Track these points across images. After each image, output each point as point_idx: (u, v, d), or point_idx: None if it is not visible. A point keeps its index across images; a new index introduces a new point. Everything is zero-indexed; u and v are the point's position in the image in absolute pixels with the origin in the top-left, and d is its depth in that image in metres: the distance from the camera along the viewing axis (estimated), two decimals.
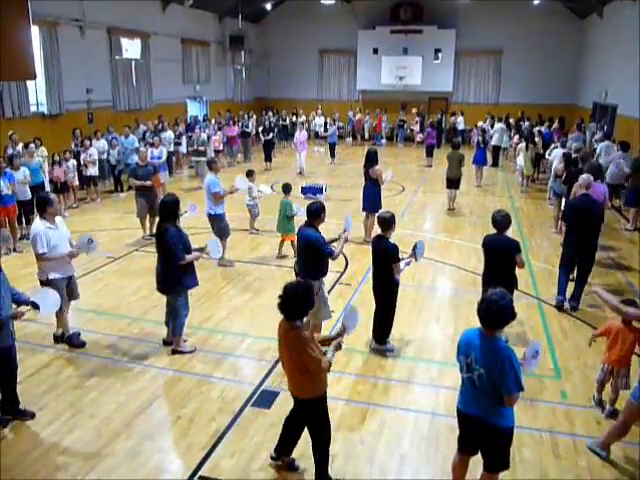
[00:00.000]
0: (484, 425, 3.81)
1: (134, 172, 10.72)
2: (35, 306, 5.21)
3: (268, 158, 19.03)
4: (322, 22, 26.56)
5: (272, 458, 4.63)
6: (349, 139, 26.66)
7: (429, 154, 20.09)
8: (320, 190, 14.21)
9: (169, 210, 6.26)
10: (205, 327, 7.15)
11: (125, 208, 13.11)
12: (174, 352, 6.47)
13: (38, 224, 6.24)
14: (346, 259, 9.70)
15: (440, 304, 8.11)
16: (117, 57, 17.97)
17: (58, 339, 6.67)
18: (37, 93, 15.20)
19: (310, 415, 4.29)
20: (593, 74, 21.58)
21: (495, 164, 19.75)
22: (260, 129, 20.07)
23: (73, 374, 6.01)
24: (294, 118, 24.91)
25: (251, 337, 6.90)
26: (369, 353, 6.52)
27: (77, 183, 13.31)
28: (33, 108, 14.92)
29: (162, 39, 20.11)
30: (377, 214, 6.96)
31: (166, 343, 6.65)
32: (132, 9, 18.22)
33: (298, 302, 4.08)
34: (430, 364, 6.34)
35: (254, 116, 23.65)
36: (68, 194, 13.09)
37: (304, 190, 14.19)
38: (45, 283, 6.25)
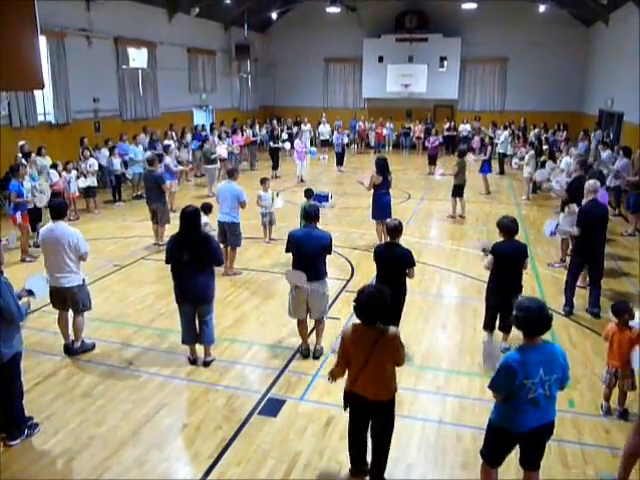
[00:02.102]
0: (550, 428, 3.95)
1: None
2: (30, 293, 5.38)
3: (276, 166, 19.05)
4: (327, 30, 26.66)
5: (354, 474, 4.58)
6: (354, 147, 26.59)
7: (431, 162, 20.02)
8: (326, 198, 14.20)
9: (196, 219, 6.16)
10: None
11: (132, 216, 13.18)
12: (208, 364, 6.37)
13: (69, 226, 6.36)
14: (352, 267, 9.70)
15: (447, 312, 8.09)
16: (124, 66, 18.10)
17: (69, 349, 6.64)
18: (44, 102, 15.29)
19: (389, 414, 4.32)
20: (599, 81, 21.57)
21: (501, 172, 19.74)
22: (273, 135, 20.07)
23: (80, 382, 6.02)
24: (295, 127, 24.81)
25: (257, 345, 6.90)
26: None
27: (77, 194, 13.08)
28: (40, 117, 15.03)
29: (168, 48, 20.25)
30: (387, 222, 6.95)
31: (193, 361, 6.43)
32: (139, 19, 18.36)
33: (381, 306, 4.14)
34: (437, 372, 6.32)
35: (259, 125, 23.77)
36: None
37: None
38: (82, 285, 6.43)
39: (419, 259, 8.38)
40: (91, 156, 13.99)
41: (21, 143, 12.71)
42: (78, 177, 13.29)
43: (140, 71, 18.93)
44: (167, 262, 6.23)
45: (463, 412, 5.55)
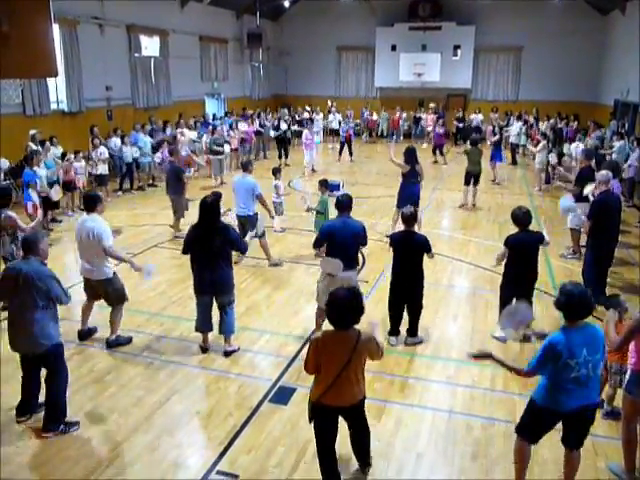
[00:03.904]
0: (593, 409, 4.05)
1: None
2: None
3: (281, 155, 18.93)
4: (340, 19, 26.51)
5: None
6: (364, 136, 26.32)
7: (434, 152, 19.89)
8: (337, 187, 14.18)
9: (216, 209, 6.17)
10: None
11: (144, 206, 13.24)
12: (229, 354, 6.40)
13: (99, 218, 6.28)
14: (363, 257, 9.69)
15: (458, 302, 8.07)
16: (136, 55, 18.10)
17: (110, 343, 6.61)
18: (57, 91, 15.35)
19: (363, 414, 4.30)
20: (614, 71, 21.27)
21: (514, 162, 19.61)
22: (284, 125, 19.97)
23: (93, 369, 6.09)
24: (305, 115, 24.52)
25: (269, 333, 6.93)
26: (386, 351, 6.50)
27: (85, 183, 12.95)
28: (53, 106, 15.09)
29: (180, 36, 20.21)
30: (402, 210, 6.94)
31: (205, 350, 6.48)
32: (151, 7, 18.35)
33: (352, 310, 3.93)
34: (447, 362, 6.32)
35: (270, 113, 23.66)
36: (74, 193, 12.69)
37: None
38: (112, 279, 6.37)
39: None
40: (101, 144, 13.84)
41: (32, 132, 12.70)
42: (91, 166, 13.30)
43: (152, 59, 18.92)
44: (184, 252, 6.25)
45: (473, 402, 5.55)
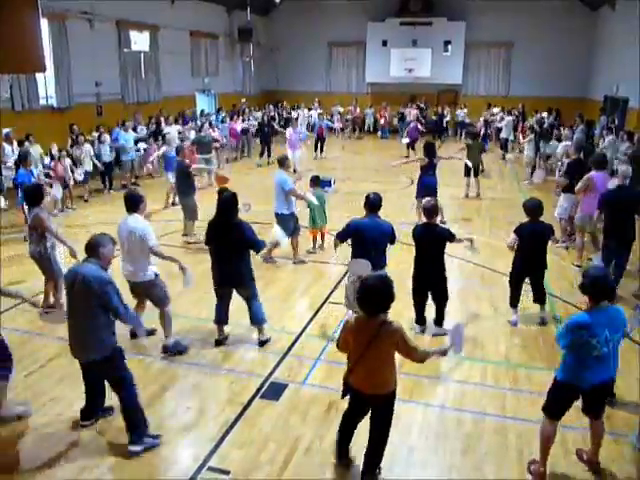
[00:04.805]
0: (611, 383, 4.41)
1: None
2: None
3: (262, 152, 18.64)
4: (331, 14, 26.47)
5: (338, 463, 4.58)
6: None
7: (409, 147, 19.42)
8: (329, 183, 14.17)
9: (233, 205, 6.19)
10: (213, 319, 7.15)
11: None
12: (263, 344, 6.48)
13: (141, 218, 6.12)
14: None
15: (449, 297, 8.08)
16: (126, 50, 18.01)
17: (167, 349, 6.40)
18: (46, 86, 15.25)
19: (386, 410, 4.26)
20: (605, 67, 21.39)
21: (504, 157, 19.67)
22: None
23: None
24: (292, 113, 24.03)
25: None
26: None
27: (72, 182, 12.55)
28: (42, 101, 14.99)
29: (171, 32, 20.12)
30: (422, 202, 7.10)
31: (218, 342, 6.53)
32: (141, 2, 18.24)
33: (382, 296, 4.02)
34: (439, 358, 6.33)
35: (260, 111, 23.37)
36: (66, 191, 12.32)
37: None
38: (153, 281, 6.19)
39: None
40: (86, 141, 13.53)
41: (6, 131, 12.21)
42: (75, 164, 12.90)
43: (142, 55, 18.84)
44: (206, 244, 6.38)
45: (464, 397, 5.58)
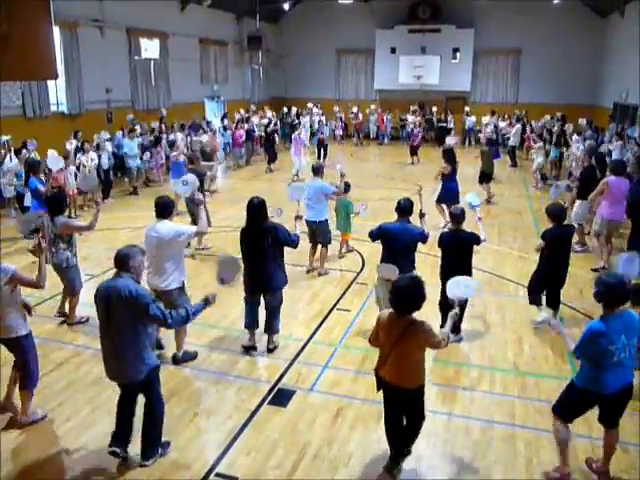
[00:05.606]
0: (630, 389, 4.28)
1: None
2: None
3: (269, 159, 18.63)
4: (340, 21, 26.53)
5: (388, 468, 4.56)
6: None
7: (413, 153, 20.07)
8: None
9: (263, 210, 6.26)
10: (221, 325, 7.18)
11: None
12: (271, 351, 6.52)
13: (170, 224, 5.96)
14: (362, 259, 9.69)
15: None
16: (136, 57, 18.13)
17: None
18: (57, 93, 15.37)
19: (415, 404, 4.39)
20: (614, 74, 21.31)
21: (513, 164, 19.62)
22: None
23: (91, 370, 6.06)
24: (296, 119, 23.63)
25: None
26: None
27: (75, 190, 12.26)
28: (53, 108, 15.11)
29: (180, 39, 20.24)
30: (451, 209, 7.16)
31: (249, 349, 6.51)
32: (151, 9, 18.37)
33: (413, 297, 4.18)
34: (446, 364, 6.32)
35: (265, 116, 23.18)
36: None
37: None
38: (181, 289, 6.06)
39: (430, 251, 8.36)
40: (91, 149, 13.36)
41: (4, 138, 11.99)
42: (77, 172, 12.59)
43: (152, 62, 18.96)
44: (242, 251, 6.40)
45: (472, 405, 5.55)
